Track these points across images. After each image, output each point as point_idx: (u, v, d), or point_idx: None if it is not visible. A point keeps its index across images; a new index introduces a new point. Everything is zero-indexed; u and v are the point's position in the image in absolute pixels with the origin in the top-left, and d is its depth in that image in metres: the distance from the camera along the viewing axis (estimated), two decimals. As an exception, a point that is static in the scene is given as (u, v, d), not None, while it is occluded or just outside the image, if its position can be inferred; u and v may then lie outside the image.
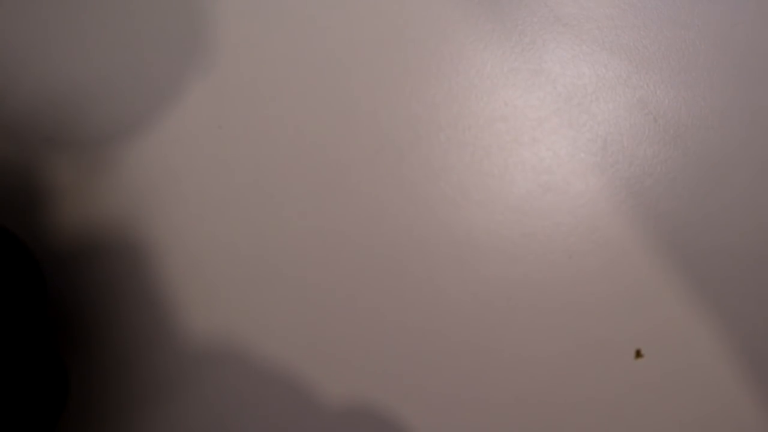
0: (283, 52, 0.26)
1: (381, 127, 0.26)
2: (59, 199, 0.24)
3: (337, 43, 0.26)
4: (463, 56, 0.26)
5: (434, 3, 0.27)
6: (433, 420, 0.24)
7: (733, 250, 0.24)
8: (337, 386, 0.24)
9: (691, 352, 0.24)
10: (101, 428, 0.23)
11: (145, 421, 0.23)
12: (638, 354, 0.24)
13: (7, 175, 0.24)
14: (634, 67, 0.26)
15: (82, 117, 0.25)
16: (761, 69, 0.25)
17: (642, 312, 0.24)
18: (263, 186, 0.25)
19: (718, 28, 0.26)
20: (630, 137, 0.25)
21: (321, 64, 0.26)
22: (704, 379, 0.24)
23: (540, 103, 0.26)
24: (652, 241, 0.25)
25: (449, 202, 0.25)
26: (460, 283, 0.25)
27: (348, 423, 0.23)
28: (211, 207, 0.25)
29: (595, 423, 0.24)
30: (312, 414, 0.23)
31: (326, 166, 0.25)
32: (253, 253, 0.25)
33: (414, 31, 0.27)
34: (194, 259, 0.24)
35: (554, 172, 0.25)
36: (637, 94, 0.25)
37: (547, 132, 0.25)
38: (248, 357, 0.23)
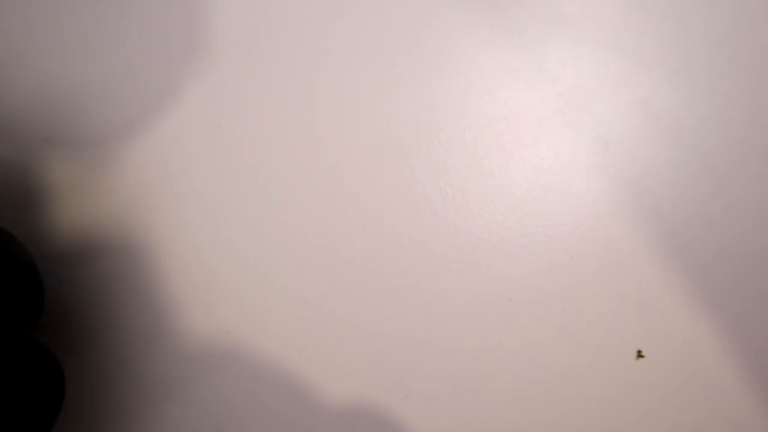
0: (283, 51, 0.26)
1: (381, 127, 0.26)
2: (58, 199, 0.24)
3: (337, 43, 0.26)
4: (463, 56, 0.26)
5: (434, 3, 0.27)
6: (433, 420, 0.24)
7: (733, 250, 0.24)
8: (336, 386, 0.24)
9: (692, 352, 0.24)
10: (100, 428, 0.23)
11: (144, 421, 0.23)
12: (639, 354, 0.24)
13: (5, 175, 0.24)
14: (635, 67, 0.26)
15: (81, 117, 0.25)
16: (761, 69, 0.25)
17: (643, 312, 0.24)
18: (263, 186, 0.25)
19: (719, 27, 0.26)
20: (631, 137, 0.25)
21: (321, 63, 0.26)
22: (704, 379, 0.24)
23: (541, 102, 0.26)
24: (653, 241, 0.25)
25: (449, 202, 0.25)
26: (460, 283, 0.25)
27: (347, 423, 0.23)
28: (211, 207, 0.25)
29: (595, 423, 0.24)
30: (311, 414, 0.23)
31: (326, 166, 0.25)
32: (252, 252, 0.24)
33: (414, 31, 0.26)
34: (194, 259, 0.24)
35: (555, 172, 0.25)
36: (639, 94, 0.25)
37: (547, 132, 0.25)
38: (247, 357, 0.23)
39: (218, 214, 0.25)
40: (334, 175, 0.25)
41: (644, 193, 0.25)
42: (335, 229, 0.25)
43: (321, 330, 0.24)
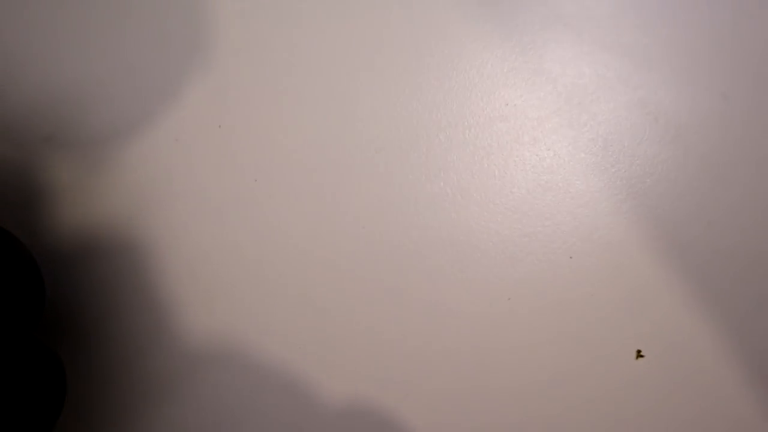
0: (283, 51, 0.26)
1: (381, 127, 0.26)
2: (59, 199, 0.24)
3: (336, 43, 0.26)
4: (463, 56, 0.26)
5: (434, 3, 0.27)
6: (433, 420, 0.24)
7: (733, 250, 0.24)
8: (336, 386, 0.24)
9: (692, 352, 0.24)
10: (101, 428, 0.23)
11: (144, 421, 0.23)
12: (639, 354, 0.24)
13: (6, 174, 0.24)
14: (635, 67, 0.26)
15: (82, 116, 0.25)
16: (761, 69, 0.25)
17: (642, 312, 0.24)
18: (263, 186, 0.25)
19: (719, 27, 0.26)
20: (630, 137, 0.25)
21: (321, 64, 0.26)
22: (704, 379, 0.24)
23: (540, 102, 0.26)
24: (653, 241, 0.25)
25: (449, 202, 0.25)
26: (460, 283, 0.25)
27: (348, 423, 0.23)
28: (211, 207, 0.25)
29: (595, 423, 0.24)
30: (312, 414, 0.23)
31: (326, 166, 0.25)
32: (252, 252, 0.25)
33: (414, 31, 0.26)
34: (194, 259, 0.24)
35: (555, 171, 0.25)
36: (638, 94, 0.25)
37: (547, 132, 0.25)
38: (248, 356, 0.23)
39: (219, 214, 0.25)
40: (334, 175, 0.25)
41: (643, 192, 0.25)
42: (335, 229, 0.25)
43: (321, 329, 0.24)
